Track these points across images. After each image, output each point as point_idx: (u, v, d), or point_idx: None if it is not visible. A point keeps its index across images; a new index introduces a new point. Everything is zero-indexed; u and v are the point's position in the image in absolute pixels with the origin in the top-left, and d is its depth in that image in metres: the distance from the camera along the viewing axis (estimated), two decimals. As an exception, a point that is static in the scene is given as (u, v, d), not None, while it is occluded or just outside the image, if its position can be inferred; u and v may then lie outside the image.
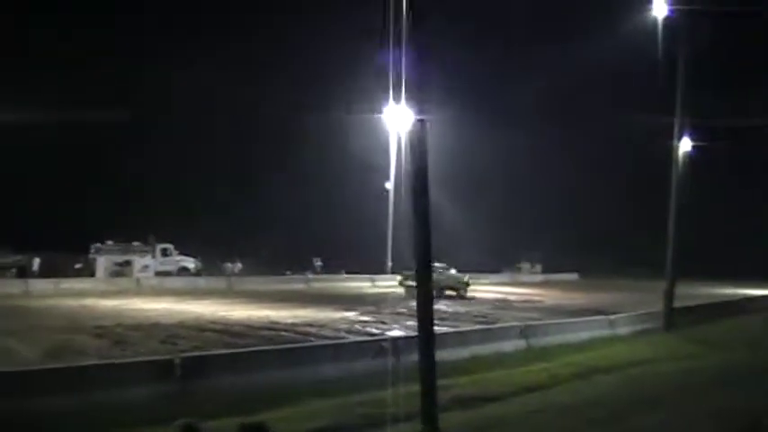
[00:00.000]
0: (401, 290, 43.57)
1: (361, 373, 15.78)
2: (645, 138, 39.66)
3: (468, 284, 47.01)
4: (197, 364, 14.88)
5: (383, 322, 28.75)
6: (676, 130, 29.57)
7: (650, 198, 38.12)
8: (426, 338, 9.59)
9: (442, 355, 15.96)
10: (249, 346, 19.56)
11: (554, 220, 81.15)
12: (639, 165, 63.03)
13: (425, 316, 9.58)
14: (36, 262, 51.21)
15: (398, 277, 46.92)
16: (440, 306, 33.73)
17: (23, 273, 49.07)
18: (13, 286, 42.72)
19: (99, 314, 30.09)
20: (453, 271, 47.67)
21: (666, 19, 29.23)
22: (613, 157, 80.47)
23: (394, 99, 61.95)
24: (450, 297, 43.60)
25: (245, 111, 73.77)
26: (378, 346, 17.78)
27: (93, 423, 11.41)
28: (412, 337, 19.38)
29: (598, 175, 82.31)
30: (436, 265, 38.94)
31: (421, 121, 9.99)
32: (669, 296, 28.63)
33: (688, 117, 30.14)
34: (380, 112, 63.63)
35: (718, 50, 51.91)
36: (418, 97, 10.08)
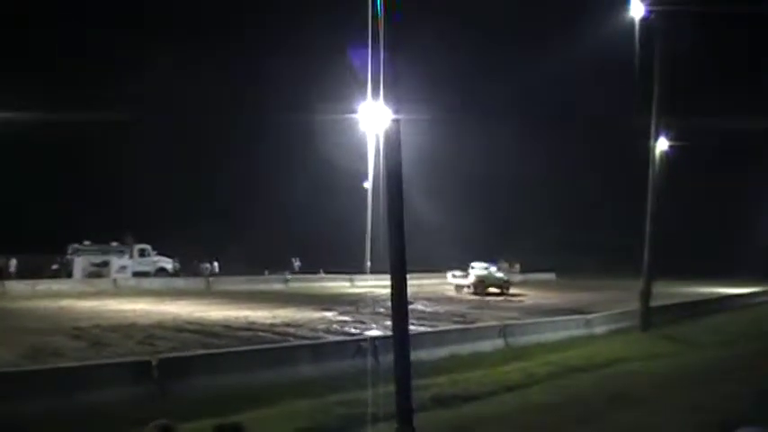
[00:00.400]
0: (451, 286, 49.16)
1: (339, 374, 15.79)
2: (627, 137, 39.83)
3: (509, 283, 49.93)
4: (175, 365, 14.84)
5: (362, 322, 28.77)
6: (653, 129, 29.75)
7: (631, 197, 38.28)
8: (401, 338, 9.60)
9: (420, 354, 16.01)
10: (227, 347, 19.51)
11: (534, 218, 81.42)
12: (621, 163, 63.35)
13: (400, 315, 9.58)
14: (13, 263, 50.89)
15: (449, 275, 50.72)
16: (417, 306, 33.87)
17: (0, 274, 48.72)
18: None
19: (76, 315, 29.94)
20: (493, 269, 50.40)
21: (644, 19, 29.38)
22: (595, 156, 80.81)
23: (371, 98, 62.20)
24: (492, 294, 46.49)
25: (219, 112, 73.57)
26: (356, 346, 17.78)
27: (70, 424, 11.34)
28: (390, 337, 19.46)
29: (579, 174, 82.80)
30: (483, 265, 49.28)
31: (395, 120, 10.01)
32: (646, 295, 28.74)
33: (665, 117, 30.37)
34: (355, 111, 63.76)
35: (698, 50, 52.49)
36: (391, 96, 10.09)
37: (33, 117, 51.80)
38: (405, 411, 9.36)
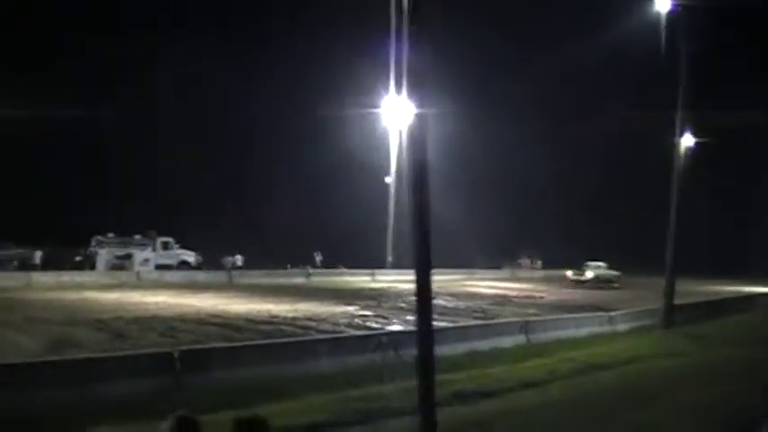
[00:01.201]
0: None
1: (360, 368, 15.81)
2: (650, 133, 39.63)
3: (619, 278, 57.42)
4: (196, 357, 14.90)
5: (383, 317, 28.77)
6: (678, 125, 29.57)
7: (653, 194, 38.07)
8: (425, 332, 9.58)
9: (441, 350, 15.96)
10: (248, 340, 19.58)
11: (556, 215, 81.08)
12: (645, 160, 63.03)
13: (424, 310, 9.57)
14: (38, 255, 51.26)
15: (568, 272, 58.83)
16: (438, 301, 33.81)
17: (25, 265, 49.12)
18: (14, 279, 42.69)
19: (99, 307, 30.08)
20: (605, 266, 59.10)
21: (670, 14, 29.22)
22: (616, 152, 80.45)
23: (395, 92, 62.08)
24: (601, 288, 52.95)
25: (244, 107, 73.81)
26: (377, 341, 17.80)
27: (91, 415, 11.41)
28: (411, 332, 19.46)
29: (601, 170, 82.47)
30: (598, 263, 58.45)
31: (420, 114, 9.96)
32: (668, 293, 28.62)
33: (690, 113, 30.17)
34: (378, 106, 63.72)
35: (724, 45, 52.13)
36: (418, 90, 10.06)
37: (62, 113, 52.36)
38: (428, 406, 9.35)
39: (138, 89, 68.73)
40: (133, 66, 69.09)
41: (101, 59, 66.54)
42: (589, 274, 57.15)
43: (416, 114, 10.05)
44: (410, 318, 26.77)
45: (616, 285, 55.44)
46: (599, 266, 58.65)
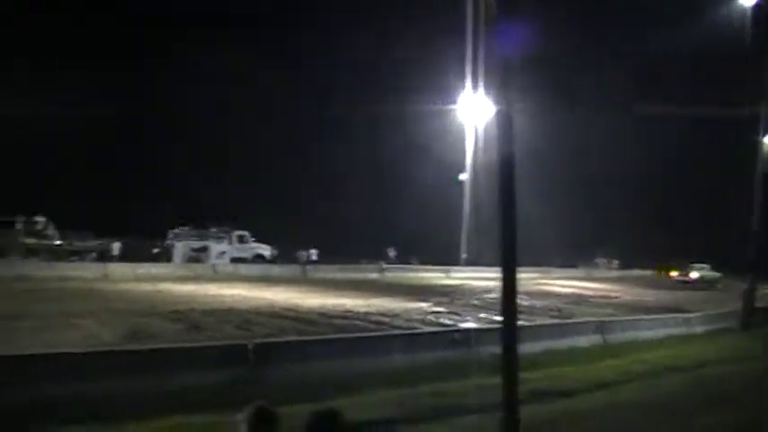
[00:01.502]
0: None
1: (433, 364, 15.71)
2: (733, 130, 38.74)
3: (720, 280, 59.00)
4: (270, 350, 14.95)
5: (456, 313, 28.62)
6: (762, 123, 28.83)
7: (737, 193, 37.16)
8: (509, 329, 9.46)
9: (519, 348, 15.83)
10: (322, 334, 19.66)
11: (633, 214, 79.87)
12: (728, 158, 61.69)
13: (509, 307, 9.45)
14: (116, 246, 52.27)
15: (673, 272, 62.50)
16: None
17: (104, 257, 50.14)
18: (92, 270, 43.61)
19: (175, 299, 30.53)
20: (708, 268, 61.82)
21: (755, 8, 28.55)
22: (699, 150, 78.78)
23: (471, 88, 61.70)
24: (699, 288, 55.29)
25: (318, 101, 74.19)
26: (451, 337, 17.72)
27: (167, 404, 11.53)
28: (486, 329, 19.32)
29: (682, 168, 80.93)
30: (702, 265, 61.53)
31: (504, 110, 9.80)
32: (749, 295, 27.96)
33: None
34: (455, 102, 63.49)
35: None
36: (504, 83, 9.88)
37: (143, 106, 53.53)
38: (512, 403, 9.24)
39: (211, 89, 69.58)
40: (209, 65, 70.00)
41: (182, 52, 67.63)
42: (694, 275, 60.86)
43: (501, 109, 9.89)
44: (483, 315, 26.60)
45: (719, 286, 56.95)
46: (703, 268, 61.68)
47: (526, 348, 17.56)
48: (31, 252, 48.51)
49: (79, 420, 10.62)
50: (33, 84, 57.94)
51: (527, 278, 48.16)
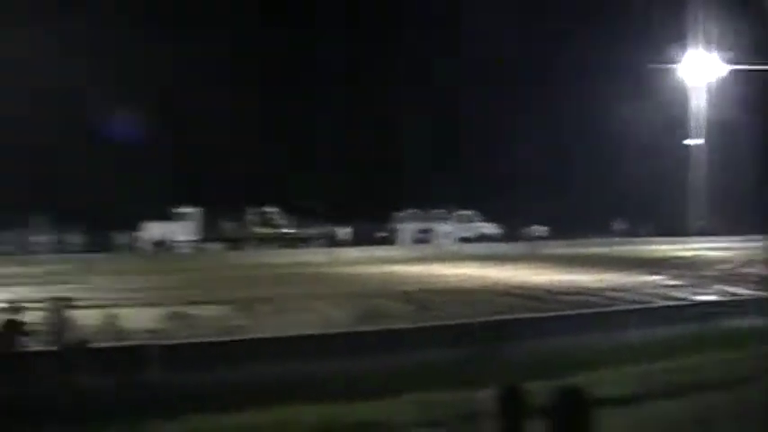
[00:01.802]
0: None
1: (671, 339, 15.08)
2: None
3: None
4: (497, 327, 14.89)
5: (692, 286, 27.35)
6: None
7: None
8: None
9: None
10: (551, 311, 19.33)
11: None
12: None
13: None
14: (343, 231, 53.89)
15: None
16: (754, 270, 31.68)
17: (332, 242, 51.91)
18: (321, 254, 45.21)
19: (403, 280, 30.98)
20: None
21: None
22: None
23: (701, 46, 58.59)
24: None
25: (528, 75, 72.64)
26: (687, 311, 17.01)
27: (403, 379, 11.66)
28: (726, 302, 18.36)
29: None
30: None
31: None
32: None
33: None
34: (677, 62, 60.77)
35: None
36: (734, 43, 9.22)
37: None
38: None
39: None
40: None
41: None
42: None
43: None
44: (720, 287, 25.28)
45: None
46: None
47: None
48: (263, 241, 50.97)
49: (337, 396, 10.95)
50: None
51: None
